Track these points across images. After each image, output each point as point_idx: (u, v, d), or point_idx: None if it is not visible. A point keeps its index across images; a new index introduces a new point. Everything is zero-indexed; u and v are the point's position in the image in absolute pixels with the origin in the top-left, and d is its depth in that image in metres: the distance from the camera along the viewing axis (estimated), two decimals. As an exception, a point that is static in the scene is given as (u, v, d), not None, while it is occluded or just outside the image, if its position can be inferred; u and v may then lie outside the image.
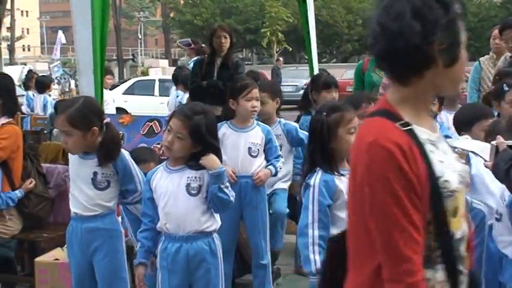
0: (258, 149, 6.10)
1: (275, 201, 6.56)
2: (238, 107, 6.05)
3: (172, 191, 4.53)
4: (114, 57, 55.31)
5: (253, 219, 6.13)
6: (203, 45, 14.44)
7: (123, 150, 5.00)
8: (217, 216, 4.66)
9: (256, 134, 6.11)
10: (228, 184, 4.56)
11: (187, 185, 4.52)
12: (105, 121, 4.93)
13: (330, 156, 4.35)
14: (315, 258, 4.21)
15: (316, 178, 4.34)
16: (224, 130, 5.89)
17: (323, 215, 4.26)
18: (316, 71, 9.10)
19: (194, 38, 14.18)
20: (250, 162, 6.08)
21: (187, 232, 4.52)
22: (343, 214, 4.26)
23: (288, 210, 6.80)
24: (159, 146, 6.88)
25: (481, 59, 8.90)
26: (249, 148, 6.06)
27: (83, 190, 4.89)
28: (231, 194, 4.58)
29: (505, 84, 5.83)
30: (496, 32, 8.72)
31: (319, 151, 4.38)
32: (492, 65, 8.65)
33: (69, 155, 5.01)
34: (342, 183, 4.30)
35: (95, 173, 4.88)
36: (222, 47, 8.64)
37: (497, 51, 8.66)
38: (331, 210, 4.30)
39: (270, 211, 6.33)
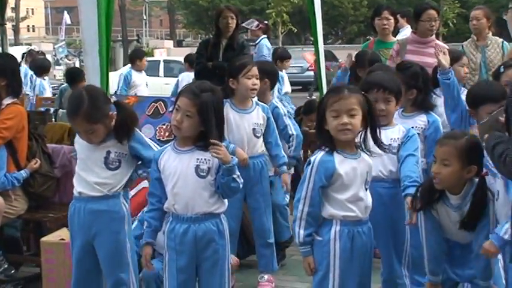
0: (261, 129, 6.14)
1: (273, 192, 6.58)
2: (239, 85, 6.06)
3: (181, 172, 4.52)
4: (119, 38, 55.19)
5: (257, 199, 6.17)
6: (266, 22, 14.52)
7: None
8: (223, 199, 4.67)
9: (258, 115, 6.14)
10: (238, 173, 4.55)
11: (197, 167, 4.52)
12: (113, 100, 4.95)
13: (331, 138, 4.37)
14: (299, 232, 4.40)
15: (317, 157, 4.37)
16: (227, 111, 5.83)
17: (315, 194, 4.33)
18: (321, 53, 9.08)
19: (258, 18, 14.17)
20: (255, 143, 6.12)
21: (196, 213, 4.53)
22: (340, 196, 4.35)
23: (287, 200, 6.82)
24: (164, 126, 6.89)
25: (464, 43, 8.92)
26: (254, 129, 6.09)
27: (94, 170, 4.90)
28: (241, 181, 4.59)
29: (502, 66, 5.84)
30: (474, 12, 8.71)
31: (318, 134, 4.46)
32: (474, 47, 8.66)
33: (77, 137, 5.01)
34: (343, 166, 4.34)
35: (108, 152, 4.89)
36: (229, 28, 8.65)
37: (477, 32, 8.64)
38: (327, 191, 4.35)
39: None
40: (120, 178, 4.96)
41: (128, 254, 5.00)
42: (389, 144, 4.98)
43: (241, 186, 4.60)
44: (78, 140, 5.00)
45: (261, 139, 6.16)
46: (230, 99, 6.08)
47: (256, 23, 13.59)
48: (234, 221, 5.89)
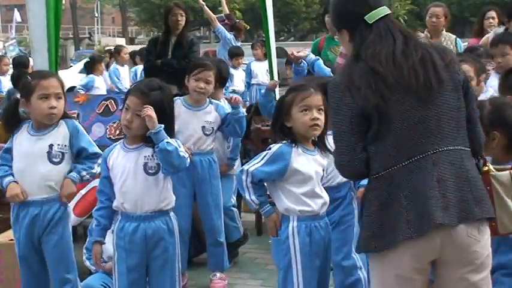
0: (213, 127, 6.11)
1: None
2: (189, 84, 6.09)
3: (129, 170, 4.51)
4: (71, 36, 54.78)
5: (207, 196, 6.14)
6: (237, 20, 14.60)
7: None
8: (172, 194, 4.66)
9: (210, 113, 6.12)
10: (176, 145, 4.49)
11: (145, 164, 4.51)
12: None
13: (289, 134, 4.43)
14: (251, 198, 4.46)
15: (277, 145, 4.45)
16: (178, 108, 5.78)
17: (259, 172, 4.40)
18: (273, 50, 9.08)
19: (228, 14, 14.26)
20: (204, 141, 6.10)
21: (145, 212, 4.51)
22: (297, 189, 4.41)
23: (233, 201, 6.80)
24: (115, 125, 6.84)
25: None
26: (203, 127, 6.06)
27: (37, 167, 4.83)
28: (183, 155, 4.52)
29: None
30: (434, 10, 8.69)
31: (278, 129, 4.49)
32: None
33: (19, 135, 4.94)
34: (300, 159, 4.40)
35: (51, 146, 4.84)
36: (178, 26, 8.61)
37: (434, 29, 8.66)
38: (284, 185, 4.42)
39: None
40: (64, 173, 4.90)
41: (73, 253, 4.99)
42: None
43: (182, 155, 4.53)
44: (19, 136, 4.92)
45: (212, 137, 6.13)
46: (183, 97, 6.08)
47: (222, 17, 13.76)
48: (185, 220, 5.87)
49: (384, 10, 3.46)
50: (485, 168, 3.56)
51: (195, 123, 6.04)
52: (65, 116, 4.94)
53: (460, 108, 3.38)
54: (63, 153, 4.88)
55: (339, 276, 5.13)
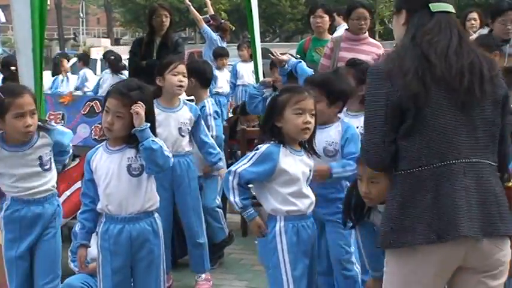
0: (188, 128, 6.09)
1: (202, 195, 6.57)
2: (165, 83, 6.01)
3: (113, 172, 4.50)
4: (56, 36, 54.56)
5: (185, 198, 6.13)
6: (222, 21, 14.61)
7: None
8: (156, 194, 4.65)
9: (184, 114, 6.09)
10: (160, 144, 4.50)
11: (129, 166, 4.50)
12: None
13: (279, 134, 4.45)
14: (235, 200, 4.43)
15: (264, 146, 4.45)
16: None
17: (247, 173, 4.39)
18: (258, 51, 9.08)
19: (213, 14, 14.26)
20: (181, 142, 6.07)
21: (130, 213, 4.51)
22: (284, 190, 4.43)
23: (217, 202, 6.79)
24: (100, 125, 6.80)
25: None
26: (180, 128, 6.03)
27: (33, 178, 4.80)
28: (165, 150, 4.53)
29: None
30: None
31: (268, 129, 4.50)
32: None
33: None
34: (287, 160, 4.43)
35: (40, 157, 4.80)
36: (163, 27, 8.59)
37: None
38: (271, 185, 4.44)
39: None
40: (54, 174, 4.92)
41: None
42: (324, 148, 4.96)
43: (167, 154, 4.54)
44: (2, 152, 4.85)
45: (187, 138, 6.11)
46: (157, 99, 6.04)
47: (207, 18, 13.77)
48: (165, 221, 5.84)
49: (450, 6, 3.45)
50: (510, 184, 3.57)
51: (172, 125, 6.00)
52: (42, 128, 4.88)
53: (496, 122, 3.36)
54: (50, 159, 4.88)
55: (336, 269, 5.12)
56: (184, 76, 6.05)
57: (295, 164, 4.46)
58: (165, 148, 4.52)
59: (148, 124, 4.45)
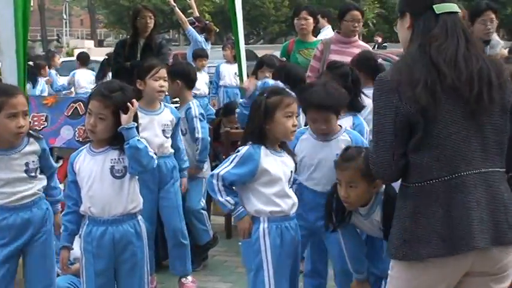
0: (170, 130, 6.09)
1: (187, 197, 6.58)
2: (146, 87, 5.98)
3: (96, 174, 4.48)
4: (39, 38, 54.42)
5: (169, 198, 6.13)
6: (207, 22, 14.61)
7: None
8: (140, 196, 4.64)
9: (166, 116, 6.08)
10: (145, 144, 4.49)
11: (112, 168, 4.49)
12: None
13: (264, 136, 4.46)
14: (226, 199, 4.46)
15: (245, 148, 4.47)
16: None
17: (229, 175, 4.42)
18: (242, 52, 9.09)
19: (198, 16, 14.23)
20: (166, 143, 6.07)
21: (113, 215, 4.49)
22: (267, 190, 4.46)
23: (202, 204, 6.78)
24: (84, 127, 6.78)
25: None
26: (163, 130, 6.03)
27: (17, 183, 4.71)
28: (150, 150, 4.53)
29: None
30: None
31: (255, 130, 4.49)
32: None
33: None
34: (268, 160, 4.45)
35: (27, 164, 4.73)
36: (147, 28, 8.59)
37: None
38: (254, 185, 4.46)
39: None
40: (42, 179, 4.86)
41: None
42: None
43: (152, 154, 4.53)
44: None
45: (170, 140, 6.12)
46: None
47: (191, 20, 13.79)
48: (150, 223, 5.82)
49: (454, 6, 3.36)
50: None
51: (156, 128, 5.99)
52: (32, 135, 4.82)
53: (505, 130, 3.33)
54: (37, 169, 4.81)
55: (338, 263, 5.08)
56: (165, 80, 6.04)
57: (276, 164, 4.48)
58: (149, 149, 4.51)
59: (135, 124, 4.45)
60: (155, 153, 4.64)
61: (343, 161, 4.52)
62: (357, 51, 7.41)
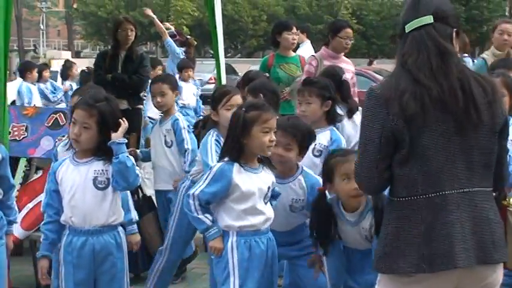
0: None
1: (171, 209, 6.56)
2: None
3: (79, 184, 4.48)
4: (15, 48, 54.19)
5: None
6: (188, 36, 14.59)
7: None
8: (121, 209, 4.65)
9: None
10: (132, 161, 4.52)
11: (95, 179, 4.48)
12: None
13: (240, 150, 4.46)
14: (204, 216, 4.47)
15: (218, 165, 4.50)
16: None
17: (203, 195, 4.43)
18: (222, 66, 9.11)
19: (178, 29, 14.23)
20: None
21: (94, 226, 4.49)
22: (238, 206, 4.45)
23: None
24: (64, 138, 6.79)
25: (485, 54, 8.64)
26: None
27: None
28: (137, 168, 4.58)
29: None
30: (504, 26, 8.36)
31: (232, 144, 4.50)
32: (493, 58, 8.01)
33: None
34: (240, 176, 4.44)
35: None
36: (128, 40, 8.59)
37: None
38: (226, 202, 4.47)
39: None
40: None
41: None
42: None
43: (138, 173, 4.56)
44: None
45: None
46: None
47: (172, 32, 13.80)
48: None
49: (424, 19, 3.33)
50: (505, 203, 3.59)
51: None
52: None
53: (492, 151, 3.32)
54: None
55: None
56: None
57: (250, 180, 4.46)
58: (136, 167, 4.53)
59: (126, 140, 4.47)
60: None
61: (344, 154, 4.61)
62: (345, 66, 7.56)
